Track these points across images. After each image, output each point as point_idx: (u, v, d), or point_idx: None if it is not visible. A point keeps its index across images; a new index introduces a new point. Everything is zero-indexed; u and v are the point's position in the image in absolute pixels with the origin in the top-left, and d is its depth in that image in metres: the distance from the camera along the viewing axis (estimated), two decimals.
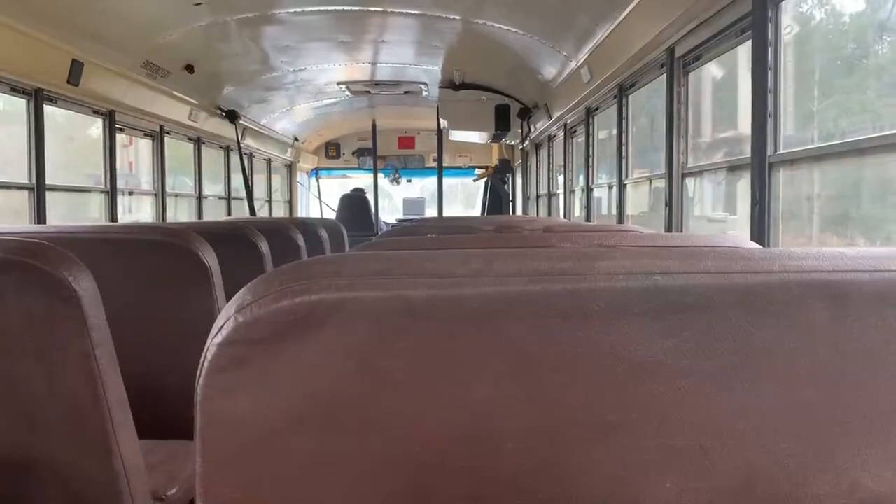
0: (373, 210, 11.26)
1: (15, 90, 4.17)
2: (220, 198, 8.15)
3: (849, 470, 0.66)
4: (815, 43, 2.93)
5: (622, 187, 5.03)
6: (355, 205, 11.29)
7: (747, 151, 2.93)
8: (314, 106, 9.11)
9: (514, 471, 0.64)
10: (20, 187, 4.32)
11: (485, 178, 10.77)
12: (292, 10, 5.11)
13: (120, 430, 1.25)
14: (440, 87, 7.72)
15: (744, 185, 3.21)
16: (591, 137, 5.95)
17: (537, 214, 8.37)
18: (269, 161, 10.03)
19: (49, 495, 1.26)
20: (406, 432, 0.63)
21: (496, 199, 10.25)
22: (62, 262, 1.16)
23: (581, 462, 0.64)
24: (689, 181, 3.95)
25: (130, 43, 4.94)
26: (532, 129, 8.09)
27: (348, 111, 9.80)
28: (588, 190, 6.07)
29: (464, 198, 13.94)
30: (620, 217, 5.03)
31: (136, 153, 6.42)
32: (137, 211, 6.19)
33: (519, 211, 9.86)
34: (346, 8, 5.15)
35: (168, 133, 6.47)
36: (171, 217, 6.56)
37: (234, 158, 8.13)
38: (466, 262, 0.63)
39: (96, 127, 5.34)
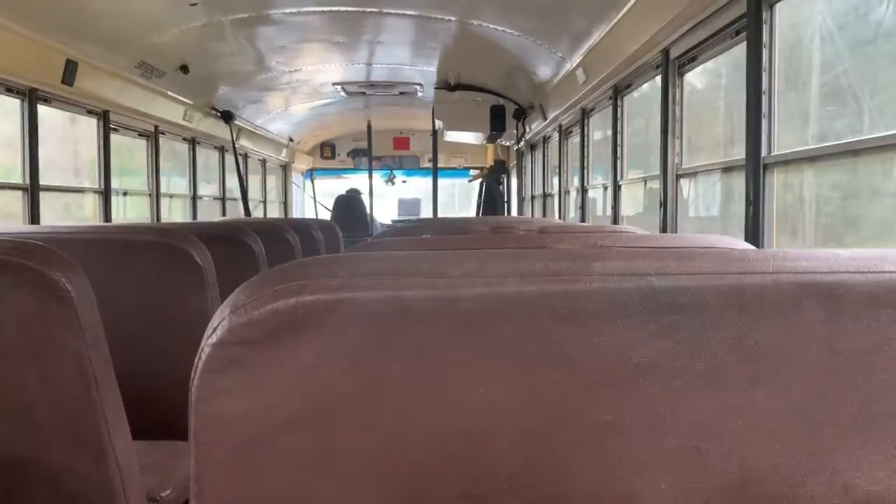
0: (368, 211, 11.25)
1: (9, 90, 4.15)
2: (215, 198, 8.14)
3: (843, 470, 0.66)
4: None
5: (617, 188, 5.04)
6: (350, 206, 11.26)
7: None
8: (309, 107, 9.10)
9: (509, 471, 0.64)
10: (13, 187, 4.31)
11: (480, 179, 10.77)
12: (287, 11, 5.10)
13: (114, 430, 1.24)
14: (435, 87, 7.71)
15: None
16: (586, 138, 5.95)
17: (532, 215, 8.38)
18: (263, 162, 10.01)
19: (43, 497, 1.26)
20: (401, 433, 0.63)
21: (491, 200, 10.25)
22: (56, 262, 1.16)
23: (576, 462, 0.64)
24: (684, 182, 3.95)
25: (125, 43, 4.93)
26: (527, 129, 8.10)
27: (343, 112, 9.79)
28: (583, 191, 6.07)
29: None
30: (615, 218, 5.04)
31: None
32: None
33: (514, 212, 9.85)
34: (341, 9, 5.15)
35: (163, 133, 6.46)
36: (165, 218, 6.55)
37: (230, 159, 8.12)
38: (461, 262, 0.63)
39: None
